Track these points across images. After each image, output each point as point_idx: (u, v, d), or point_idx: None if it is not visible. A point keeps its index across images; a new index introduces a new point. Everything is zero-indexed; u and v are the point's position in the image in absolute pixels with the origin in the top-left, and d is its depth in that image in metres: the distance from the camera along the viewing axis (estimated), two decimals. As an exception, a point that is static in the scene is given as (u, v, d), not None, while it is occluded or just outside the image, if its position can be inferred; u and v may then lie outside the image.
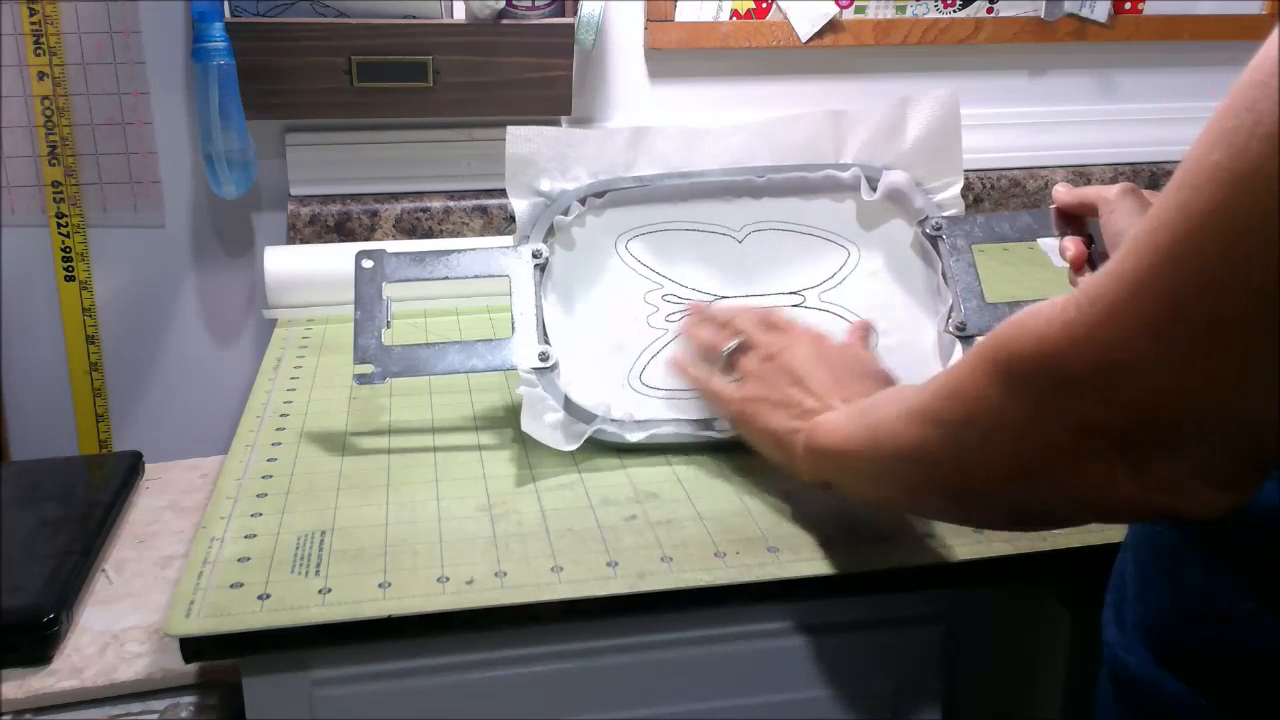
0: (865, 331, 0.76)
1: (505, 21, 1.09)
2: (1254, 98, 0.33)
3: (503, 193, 0.79)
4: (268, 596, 0.58)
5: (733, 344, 0.70)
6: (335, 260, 0.99)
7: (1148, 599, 0.50)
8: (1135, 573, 0.51)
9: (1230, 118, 0.33)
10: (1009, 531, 0.63)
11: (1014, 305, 0.77)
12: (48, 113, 1.08)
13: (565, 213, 0.78)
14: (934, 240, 0.80)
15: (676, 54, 1.22)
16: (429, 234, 1.16)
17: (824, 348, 0.68)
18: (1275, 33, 0.33)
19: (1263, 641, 0.44)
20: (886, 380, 0.66)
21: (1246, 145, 0.33)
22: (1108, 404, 0.37)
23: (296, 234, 1.13)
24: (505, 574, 0.60)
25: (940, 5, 1.25)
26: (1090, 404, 0.38)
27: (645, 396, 0.77)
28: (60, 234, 1.12)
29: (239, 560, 0.61)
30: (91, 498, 0.80)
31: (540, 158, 0.78)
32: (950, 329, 0.77)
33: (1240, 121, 0.33)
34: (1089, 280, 0.38)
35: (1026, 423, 0.40)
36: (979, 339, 0.44)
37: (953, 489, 0.48)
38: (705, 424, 0.75)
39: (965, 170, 0.82)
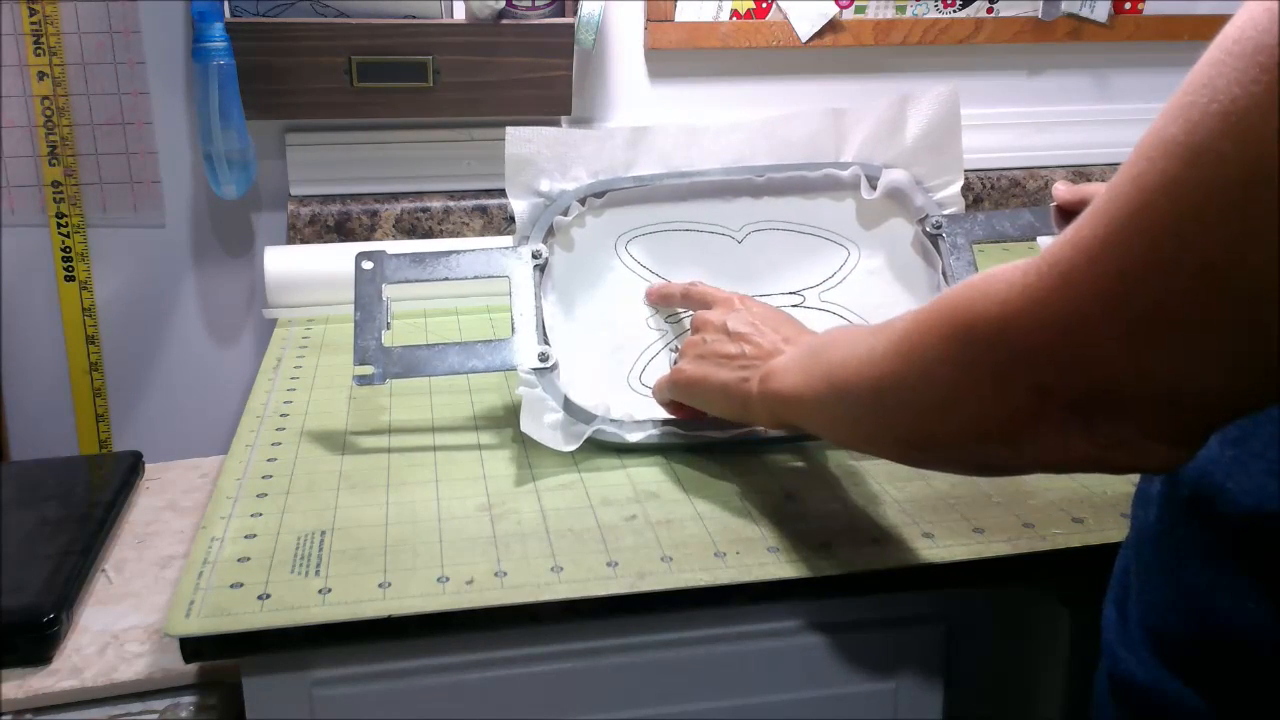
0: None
1: (505, 21, 1.09)
2: (1211, 75, 0.33)
3: (503, 193, 0.79)
4: (268, 596, 0.58)
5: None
6: (335, 260, 0.99)
7: (1149, 598, 0.50)
8: (1137, 572, 0.51)
9: (1189, 93, 0.34)
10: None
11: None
12: (48, 113, 1.08)
13: (565, 213, 0.78)
14: (934, 239, 0.80)
15: (676, 54, 1.22)
16: (429, 234, 1.16)
17: (752, 304, 0.71)
18: (1240, 10, 0.33)
19: (1263, 641, 0.44)
20: (803, 325, 0.68)
21: (1200, 121, 0.33)
22: (1062, 369, 0.38)
23: (296, 234, 1.13)
24: (505, 574, 0.60)
25: (940, 5, 1.25)
26: (1046, 369, 0.38)
27: (645, 397, 0.77)
28: (60, 234, 1.12)
29: (239, 560, 0.61)
30: (91, 498, 0.80)
31: (539, 158, 0.78)
32: (950, 329, 0.77)
33: (1196, 97, 0.33)
34: (1052, 244, 0.38)
35: (985, 384, 0.41)
36: (938, 295, 0.45)
37: (912, 438, 0.48)
38: (704, 424, 0.75)
39: (965, 170, 0.82)
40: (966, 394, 0.42)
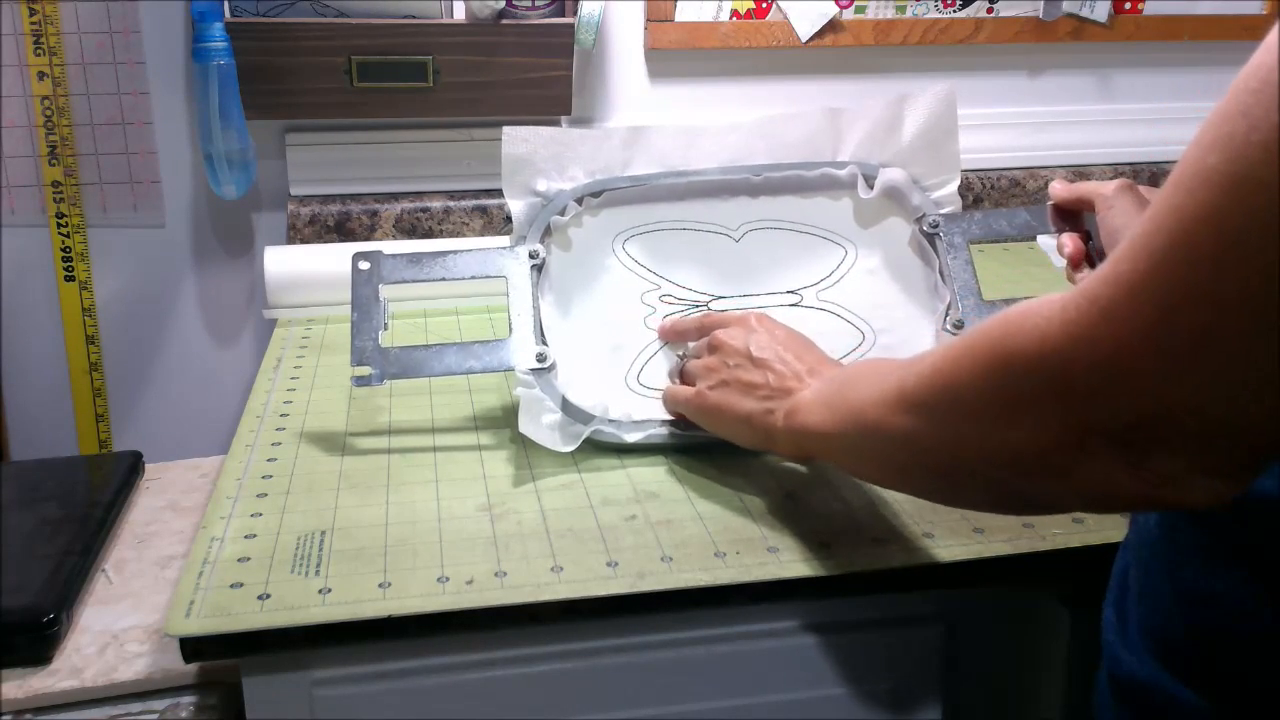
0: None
1: (505, 21, 1.09)
2: (1248, 104, 0.33)
3: (503, 193, 0.79)
4: (268, 596, 0.58)
5: (690, 347, 0.74)
6: (335, 260, 0.99)
7: (1149, 599, 0.50)
8: (1137, 573, 0.51)
9: (1226, 123, 0.33)
10: (1007, 515, 0.64)
11: (1011, 303, 0.77)
12: (48, 113, 1.08)
13: (562, 213, 0.78)
14: (931, 238, 0.80)
15: (676, 54, 1.22)
16: (429, 234, 1.16)
17: (770, 326, 0.70)
18: (1271, 35, 0.33)
19: (1262, 642, 0.44)
20: (819, 349, 0.68)
21: (1241, 150, 0.33)
22: (1107, 404, 0.37)
23: (296, 234, 1.13)
24: (505, 574, 0.60)
25: (940, 5, 1.25)
26: (1090, 404, 0.38)
27: (643, 397, 0.77)
28: (60, 234, 1.12)
29: (239, 560, 0.61)
30: (91, 498, 0.80)
31: (537, 158, 0.78)
32: (948, 327, 0.77)
33: (1235, 127, 0.33)
34: (1090, 280, 0.38)
35: (1025, 420, 0.40)
36: (970, 329, 0.44)
37: (945, 474, 0.48)
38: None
39: (965, 170, 0.82)
40: (1005, 430, 0.42)
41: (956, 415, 0.44)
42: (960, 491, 0.50)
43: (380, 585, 0.59)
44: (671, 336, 0.78)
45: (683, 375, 0.75)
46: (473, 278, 0.77)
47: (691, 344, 0.75)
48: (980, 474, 0.45)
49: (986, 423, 0.43)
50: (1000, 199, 1.31)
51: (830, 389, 0.59)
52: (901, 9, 1.24)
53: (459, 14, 1.10)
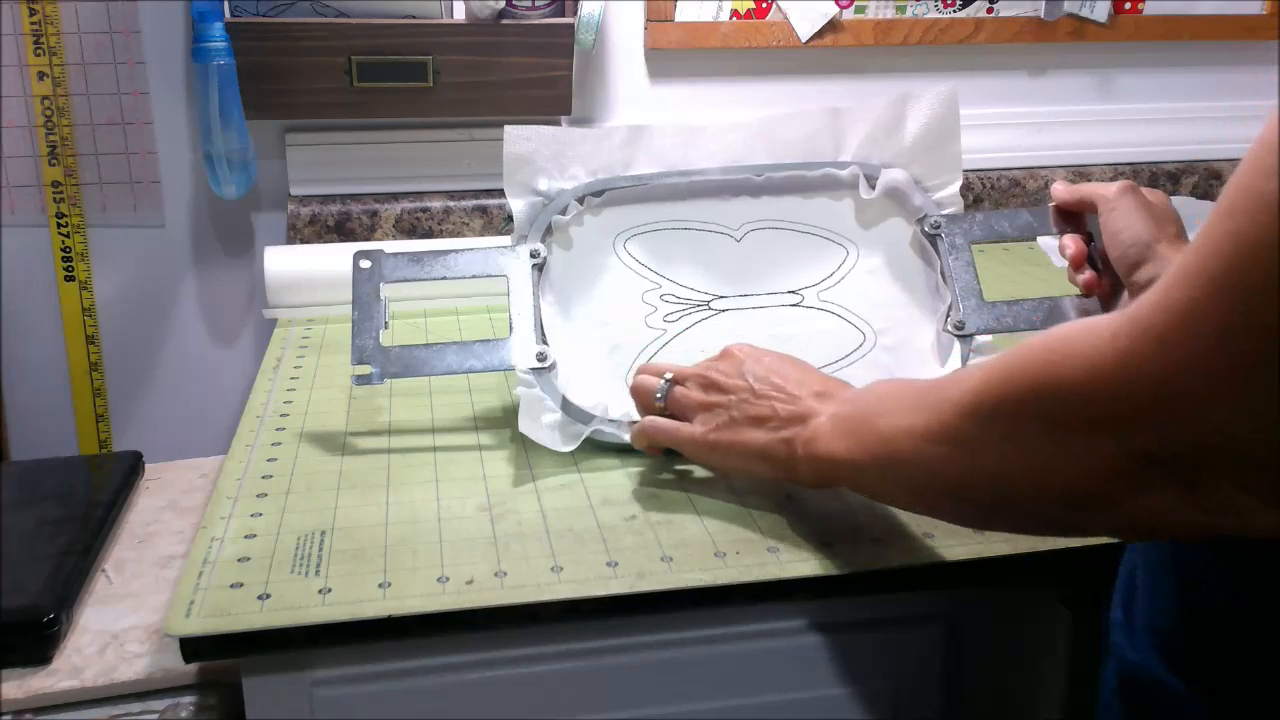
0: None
1: (505, 21, 1.09)
2: None
3: (503, 193, 0.79)
4: (268, 596, 0.58)
5: (663, 382, 0.68)
6: (335, 260, 0.99)
7: (1157, 600, 0.50)
8: (1145, 573, 0.51)
9: None
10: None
11: (1012, 304, 0.77)
12: (48, 113, 1.08)
13: (563, 212, 0.78)
14: (933, 238, 0.80)
15: (676, 54, 1.22)
16: (429, 234, 1.16)
17: (756, 354, 0.66)
18: None
19: (1268, 642, 0.44)
20: (814, 369, 0.65)
21: None
22: (1165, 433, 0.37)
23: (296, 234, 1.13)
24: (505, 574, 0.60)
25: (940, 5, 1.25)
26: (1147, 433, 0.37)
27: (645, 396, 0.77)
28: (60, 234, 1.12)
29: (239, 560, 0.61)
30: (91, 498, 0.80)
31: (538, 157, 0.78)
32: (949, 328, 0.77)
33: None
34: (1140, 306, 0.37)
35: (1076, 449, 0.40)
36: (1003, 356, 0.43)
37: (987, 504, 0.47)
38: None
39: (965, 170, 0.82)
40: (1054, 459, 0.41)
41: (999, 446, 0.44)
42: (1001, 520, 0.49)
43: (380, 585, 0.59)
44: (642, 396, 0.70)
45: (669, 412, 0.68)
46: (474, 277, 0.77)
47: (662, 381, 0.69)
48: (1025, 505, 0.44)
49: (1033, 454, 0.42)
50: (1000, 199, 1.31)
51: (851, 414, 0.57)
52: (901, 9, 1.24)
53: (459, 14, 1.10)
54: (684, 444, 0.67)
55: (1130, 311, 0.38)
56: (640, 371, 0.71)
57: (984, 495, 0.47)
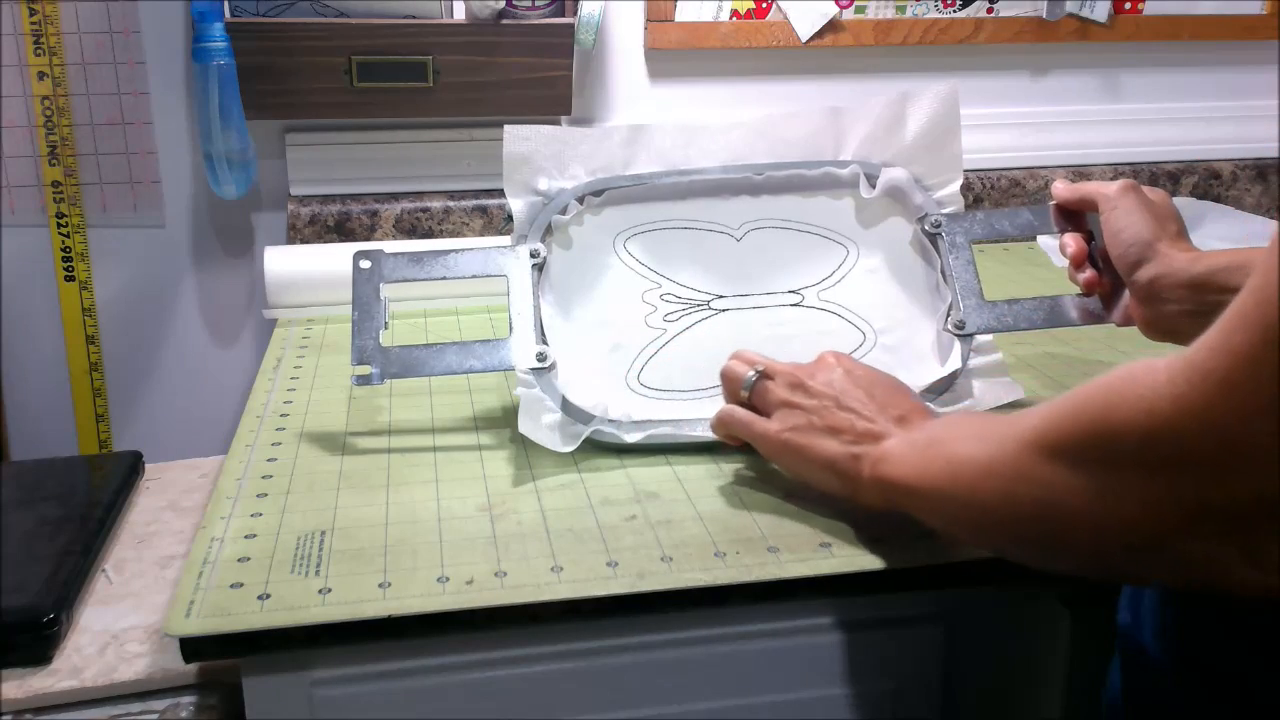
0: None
1: (505, 21, 1.09)
2: None
3: (503, 193, 0.79)
4: (268, 596, 0.58)
5: (752, 374, 0.67)
6: (335, 260, 0.99)
7: (1165, 603, 0.49)
8: None
9: None
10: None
11: (1013, 303, 0.77)
12: (48, 113, 1.08)
13: (563, 212, 0.78)
14: (933, 238, 0.80)
15: (676, 54, 1.22)
16: (429, 234, 1.16)
17: (850, 366, 0.65)
18: None
19: (1273, 643, 0.44)
20: (910, 392, 0.65)
21: None
22: (1224, 483, 0.36)
23: (296, 234, 1.13)
24: (505, 574, 0.60)
25: (940, 5, 1.25)
26: (1205, 482, 0.37)
27: (643, 397, 0.77)
28: (60, 234, 1.12)
29: (239, 560, 0.61)
30: (91, 498, 0.80)
31: (538, 156, 0.78)
32: (949, 327, 0.77)
33: None
34: (1197, 351, 0.37)
35: (1132, 494, 0.39)
36: (1072, 394, 0.43)
37: (1047, 544, 0.47)
38: (703, 424, 0.75)
39: (966, 170, 0.82)
40: (1110, 500, 0.40)
41: (1058, 484, 0.43)
42: (1059, 560, 0.48)
43: (380, 585, 0.59)
44: (730, 383, 0.69)
45: (751, 403, 0.68)
46: (474, 277, 0.77)
47: (751, 372, 0.68)
48: (1083, 545, 0.44)
49: (1091, 493, 0.41)
50: (1000, 199, 1.31)
51: (921, 440, 0.56)
52: (901, 9, 1.24)
53: (459, 14, 1.10)
54: (757, 438, 0.66)
55: (1187, 355, 0.37)
56: (733, 357, 0.70)
57: (1042, 532, 0.46)
